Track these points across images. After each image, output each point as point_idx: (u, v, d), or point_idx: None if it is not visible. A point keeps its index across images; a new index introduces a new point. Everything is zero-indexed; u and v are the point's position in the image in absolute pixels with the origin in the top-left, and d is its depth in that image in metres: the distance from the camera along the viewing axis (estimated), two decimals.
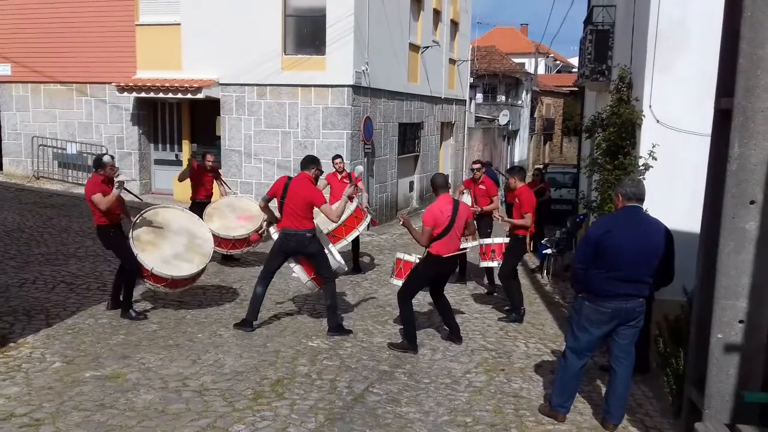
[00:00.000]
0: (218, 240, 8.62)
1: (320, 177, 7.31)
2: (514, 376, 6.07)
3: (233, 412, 4.93)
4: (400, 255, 7.35)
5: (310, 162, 6.87)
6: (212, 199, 9.93)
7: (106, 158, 7.00)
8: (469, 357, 6.52)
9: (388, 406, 5.22)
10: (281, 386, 5.49)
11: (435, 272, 6.56)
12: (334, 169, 9.65)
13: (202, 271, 7.40)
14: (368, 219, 8.75)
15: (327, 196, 9.21)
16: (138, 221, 7.13)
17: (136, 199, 8.57)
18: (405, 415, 5.08)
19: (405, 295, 6.63)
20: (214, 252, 7.88)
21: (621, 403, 4.93)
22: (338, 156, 9.84)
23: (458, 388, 5.68)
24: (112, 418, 4.71)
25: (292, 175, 6.99)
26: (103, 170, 6.91)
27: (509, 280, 7.83)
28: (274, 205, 6.91)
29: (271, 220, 7.21)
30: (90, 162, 15.35)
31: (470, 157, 24.70)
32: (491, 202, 9.12)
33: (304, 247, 6.71)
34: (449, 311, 6.90)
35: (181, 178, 9.86)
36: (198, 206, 9.42)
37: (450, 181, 12.41)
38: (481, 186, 9.25)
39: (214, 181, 10.07)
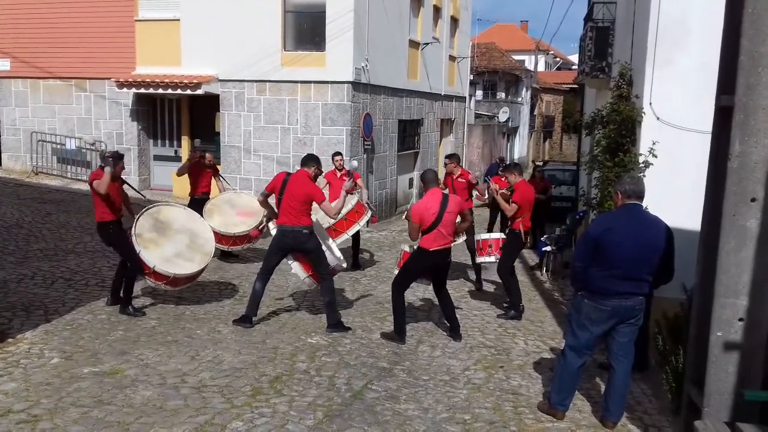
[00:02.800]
0: (218, 237, 8.60)
1: (320, 176, 7.31)
2: (513, 373, 6.06)
3: (231, 409, 4.92)
4: (404, 247, 7.51)
5: (310, 160, 6.87)
6: (211, 196, 9.91)
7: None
8: (468, 354, 6.51)
9: (386, 403, 5.22)
10: (280, 383, 5.48)
11: (423, 265, 6.64)
12: (334, 167, 9.64)
13: (203, 269, 7.39)
14: (369, 214, 8.75)
15: (327, 194, 9.25)
16: (140, 218, 7.12)
17: (138, 195, 8.57)
18: (404, 412, 5.08)
19: (396, 285, 6.76)
20: (215, 248, 7.87)
21: (620, 401, 4.92)
22: (338, 153, 9.83)
23: (457, 385, 5.68)
24: (110, 414, 4.70)
25: (291, 172, 6.98)
26: (111, 168, 6.90)
27: (508, 276, 7.84)
28: (273, 200, 6.90)
29: (271, 216, 7.21)
30: (89, 158, 15.45)
31: (470, 154, 24.73)
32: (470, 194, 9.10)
33: (301, 243, 6.71)
34: (450, 307, 6.92)
35: (179, 173, 9.84)
36: (196, 203, 9.40)
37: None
38: (460, 179, 9.21)
39: (213, 178, 10.08)
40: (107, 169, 6.76)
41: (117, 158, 7.05)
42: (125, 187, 7.35)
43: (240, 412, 4.88)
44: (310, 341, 6.57)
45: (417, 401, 5.30)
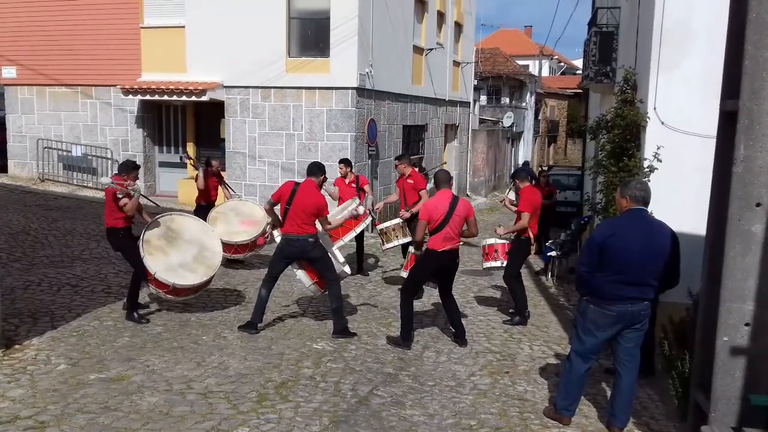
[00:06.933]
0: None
1: (327, 181, 7.36)
2: (518, 378, 6.05)
3: (237, 415, 4.93)
4: (411, 250, 7.64)
5: (318, 169, 6.89)
6: (216, 203, 9.95)
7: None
8: (474, 359, 6.50)
9: (392, 409, 5.21)
10: (285, 389, 5.48)
11: (432, 266, 6.65)
12: (340, 174, 9.68)
13: (207, 282, 7.35)
14: (368, 221, 8.76)
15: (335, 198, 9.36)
16: (152, 225, 7.14)
17: (150, 203, 8.60)
18: (409, 418, 5.07)
19: (405, 290, 6.79)
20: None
21: (626, 407, 4.90)
22: (341, 161, 9.83)
23: (463, 391, 5.67)
24: (117, 420, 4.72)
25: (297, 179, 7.00)
26: (128, 175, 7.03)
27: (513, 282, 7.82)
28: (278, 208, 6.92)
29: (275, 223, 7.23)
30: (95, 164, 15.53)
31: (474, 159, 24.72)
32: (420, 197, 9.07)
33: (306, 252, 6.72)
34: (456, 312, 6.92)
35: (200, 186, 9.81)
36: (202, 210, 9.46)
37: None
38: (409, 180, 9.22)
39: (219, 186, 10.12)
40: (134, 199, 6.83)
41: (132, 168, 7.14)
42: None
43: (246, 418, 4.89)
44: (316, 347, 6.58)
45: (422, 407, 5.29)
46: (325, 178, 7.00)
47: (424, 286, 8.62)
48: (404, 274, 7.62)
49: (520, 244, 7.77)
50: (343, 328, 6.92)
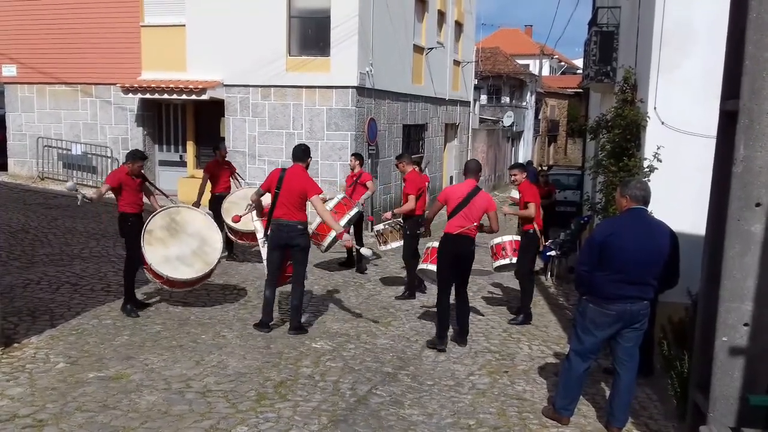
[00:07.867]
0: (239, 234, 9.11)
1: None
2: (517, 378, 6.05)
3: (236, 414, 4.92)
4: (431, 243, 7.79)
5: (302, 153, 6.91)
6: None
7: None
8: (473, 359, 6.50)
9: (391, 408, 5.21)
10: (284, 388, 5.48)
11: (448, 251, 6.65)
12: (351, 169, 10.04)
13: (203, 277, 7.35)
14: (353, 212, 8.78)
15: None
16: (157, 216, 7.21)
17: (160, 194, 8.64)
18: (408, 417, 5.07)
19: (439, 285, 6.79)
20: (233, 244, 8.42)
21: (625, 407, 4.90)
22: (352, 155, 10.25)
23: (462, 391, 5.67)
24: (116, 419, 4.71)
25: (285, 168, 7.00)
26: (133, 164, 7.14)
27: (526, 280, 7.82)
28: (267, 200, 6.95)
29: (255, 208, 7.20)
30: (95, 163, 15.53)
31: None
32: (407, 200, 9.09)
33: (292, 238, 6.72)
34: (465, 310, 6.92)
35: (201, 189, 9.85)
36: (217, 199, 9.60)
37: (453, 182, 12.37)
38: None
39: (231, 176, 10.16)
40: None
41: (140, 157, 7.26)
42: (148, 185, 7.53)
43: (245, 417, 4.89)
44: (315, 346, 6.57)
45: (421, 406, 5.29)
46: (311, 159, 7.11)
47: (426, 283, 8.62)
48: (423, 266, 7.77)
49: (528, 240, 7.77)
50: (299, 324, 6.94)
